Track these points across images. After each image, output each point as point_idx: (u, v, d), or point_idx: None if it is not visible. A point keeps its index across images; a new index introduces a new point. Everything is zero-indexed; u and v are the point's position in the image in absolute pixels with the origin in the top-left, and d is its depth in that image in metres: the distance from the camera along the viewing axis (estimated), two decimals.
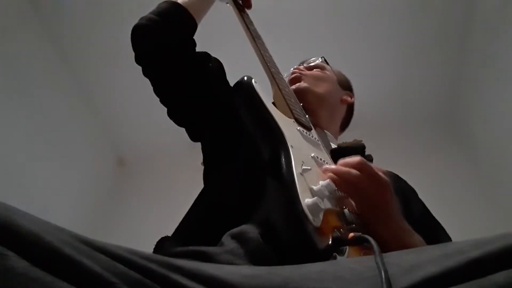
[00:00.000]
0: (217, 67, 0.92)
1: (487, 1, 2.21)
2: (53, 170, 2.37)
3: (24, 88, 2.21)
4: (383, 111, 2.62)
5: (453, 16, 2.34)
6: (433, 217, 0.86)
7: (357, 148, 0.90)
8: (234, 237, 0.61)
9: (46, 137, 2.35)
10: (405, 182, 0.92)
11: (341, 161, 0.65)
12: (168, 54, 0.83)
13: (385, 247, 0.61)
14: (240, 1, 0.98)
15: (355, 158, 0.63)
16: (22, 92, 2.20)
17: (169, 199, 2.52)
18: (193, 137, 0.95)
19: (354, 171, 0.62)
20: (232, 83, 0.72)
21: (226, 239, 0.62)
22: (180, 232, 0.75)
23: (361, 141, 0.93)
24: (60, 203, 2.32)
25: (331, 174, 0.63)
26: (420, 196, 0.91)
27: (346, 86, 1.11)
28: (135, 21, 0.86)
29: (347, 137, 1.03)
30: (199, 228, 0.73)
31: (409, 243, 0.62)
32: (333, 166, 0.65)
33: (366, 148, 0.96)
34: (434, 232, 0.79)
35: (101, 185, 2.75)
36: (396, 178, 0.93)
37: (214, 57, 0.93)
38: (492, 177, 2.37)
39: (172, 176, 2.68)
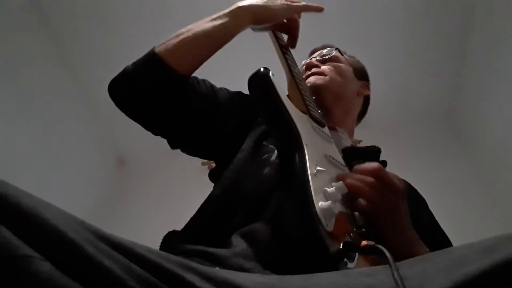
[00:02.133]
0: (206, 92, 0.85)
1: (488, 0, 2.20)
2: (53, 170, 2.35)
3: (24, 88, 2.20)
4: (383, 111, 2.61)
5: (454, 15, 2.33)
6: (442, 231, 0.84)
7: (371, 152, 0.87)
8: (244, 236, 0.61)
9: (46, 137, 2.33)
10: (416, 191, 0.90)
11: (357, 167, 0.63)
12: (149, 108, 0.80)
13: (392, 254, 0.59)
14: (283, 40, 0.90)
15: (372, 165, 0.62)
16: (22, 91, 2.19)
17: (169, 199, 2.51)
18: (201, 157, 0.92)
19: (369, 179, 0.60)
20: (246, 74, 0.69)
21: (236, 238, 0.61)
22: (190, 227, 0.73)
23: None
24: (60, 203, 2.23)
25: (347, 182, 0.61)
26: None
27: (362, 75, 1.07)
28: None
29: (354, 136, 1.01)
30: (209, 224, 0.71)
31: (415, 253, 0.61)
32: (347, 175, 0.64)
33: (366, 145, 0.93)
34: (440, 247, 0.77)
35: (101, 185, 2.74)
36: (407, 187, 0.91)
37: (201, 84, 0.86)
38: (492, 176, 2.36)
39: (172, 176, 2.67)
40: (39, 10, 2.30)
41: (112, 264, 0.34)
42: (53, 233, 0.34)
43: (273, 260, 0.55)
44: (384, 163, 0.82)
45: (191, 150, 0.89)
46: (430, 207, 0.87)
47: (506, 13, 2.08)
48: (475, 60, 2.40)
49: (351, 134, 0.98)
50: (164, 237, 0.71)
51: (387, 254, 0.43)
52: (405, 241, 0.62)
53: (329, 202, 0.53)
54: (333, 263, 0.50)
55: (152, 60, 0.77)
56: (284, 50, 0.85)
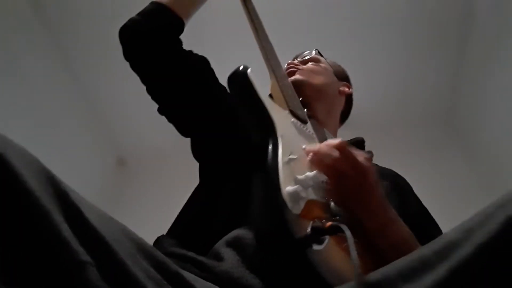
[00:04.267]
0: (201, 63, 0.93)
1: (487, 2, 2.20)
2: (53, 170, 2.35)
3: (24, 88, 2.21)
4: (382, 110, 2.61)
5: (454, 16, 2.33)
6: (430, 216, 0.84)
7: (354, 143, 0.88)
8: (230, 244, 0.61)
9: (46, 137, 2.33)
10: (403, 179, 0.91)
11: (323, 143, 0.63)
12: (151, 52, 0.88)
13: (371, 238, 0.59)
14: None
15: (336, 140, 0.61)
16: (22, 92, 2.20)
17: (169, 199, 2.50)
18: (184, 133, 0.94)
19: (335, 152, 0.59)
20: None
21: (222, 248, 0.61)
22: (176, 229, 0.75)
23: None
24: None
25: (310, 154, 0.61)
26: (419, 194, 0.90)
27: (342, 76, 1.09)
28: None
29: (346, 136, 1.02)
30: (195, 226, 0.72)
31: (395, 234, 0.61)
32: (314, 147, 0.63)
33: (366, 147, 0.95)
34: (429, 231, 0.76)
35: (101, 185, 2.74)
36: (394, 175, 0.92)
37: (199, 55, 0.94)
38: (492, 177, 2.34)
39: (172, 176, 2.67)
40: (39, 10, 2.31)
41: (138, 271, 0.38)
42: (100, 242, 0.37)
43: (260, 264, 0.56)
44: (369, 154, 0.83)
45: (176, 113, 0.92)
46: (430, 207, 0.87)
47: (506, 15, 2.08)
48: (475, 62, 2.40)
49: (335, 133, 0.99)
50: (154, 242, 0.71)
51: (345, 229, 0.44)
52: (382, 223, 0.60)
53: (296, 186, 0.53)
54: (301, 247, 0.49)
55: (157, 8, 0.90)
56: (251, 11, 0.92)
